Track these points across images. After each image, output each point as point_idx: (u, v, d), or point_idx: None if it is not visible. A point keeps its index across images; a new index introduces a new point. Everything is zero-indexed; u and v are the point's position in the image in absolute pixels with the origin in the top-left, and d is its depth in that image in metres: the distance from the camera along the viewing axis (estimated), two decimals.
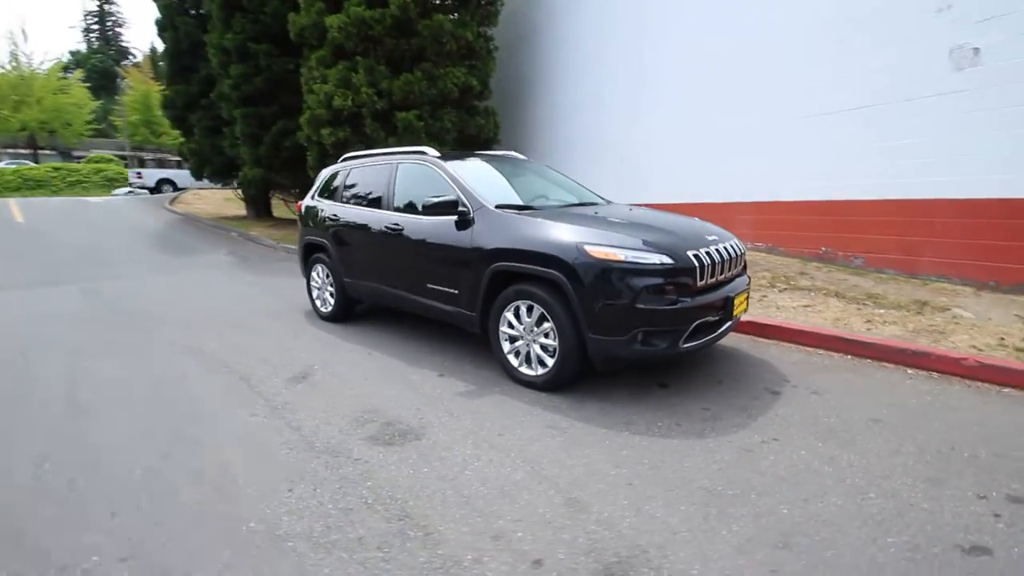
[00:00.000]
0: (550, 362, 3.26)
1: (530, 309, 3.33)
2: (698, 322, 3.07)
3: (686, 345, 3.07)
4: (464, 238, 3.65)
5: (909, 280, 5.54)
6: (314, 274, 5.32)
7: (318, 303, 5.33)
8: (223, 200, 20.07)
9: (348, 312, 5.10)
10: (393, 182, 4.43)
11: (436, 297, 3.94)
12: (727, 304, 3.23)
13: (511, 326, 3.46)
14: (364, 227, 4.55)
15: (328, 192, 5.19)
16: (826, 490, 2.22)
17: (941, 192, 5.34)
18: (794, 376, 3.48)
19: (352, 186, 4.92)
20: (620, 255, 2.97)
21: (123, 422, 3.01)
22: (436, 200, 3.68)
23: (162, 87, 17.64)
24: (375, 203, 4.55)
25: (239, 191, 16.84)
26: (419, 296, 4.09)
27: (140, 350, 4.37)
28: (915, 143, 5.48)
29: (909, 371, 3.55)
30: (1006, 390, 3.18)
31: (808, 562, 1.81)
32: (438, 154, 4.28)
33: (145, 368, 3.93)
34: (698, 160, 7.95)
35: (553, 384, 3.27)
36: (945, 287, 5.17)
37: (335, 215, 4.91)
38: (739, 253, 3.51)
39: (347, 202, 4.87)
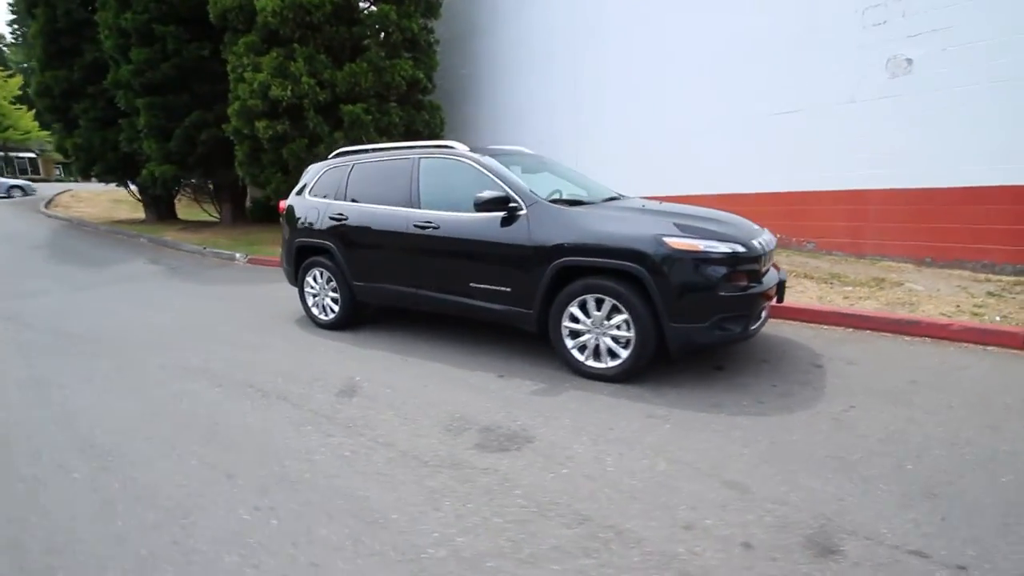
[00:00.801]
0: (624, 353, 3.30)
1: (599, 302, 3.35)
2: (763, 306, 3.30)
3: (752, 328, 3.28)
4: (519, 234, 3.57)
5: (859, 260, 6.34)
6: (310, 279, 4.88)
7: (315, 311, 4.91)
8: (110, 202, 17.61)
9: (354, 319, 4.76)
10: (416, 178, 4.19)
11: (483, 296, 3.81)
12: (780, 289, 3.50)
13: (574, 320, 3.46)
14: (383, 226, 4.26)
15: (325, 190, 4.78)
16: (926, 445, 2.51)
17: (880, 183, 6.17)
18: (823, 350, 3.85)
19: (359, 183, 4.58)
20: (700, 245, 3.09)
21: (190, 467, 2.54)
22: (489, 196, 3.54)
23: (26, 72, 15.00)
24: (394, 200, 4.28)
25: (134, 191, 14.85)
26: (460, 296, 3.93)
27: (132, 377, 3.76)
28: (858, 140, 6.27)
29: (906, 338, 4.09)
30: (989, 348, 3.78)
31: (962, 506, 2.04)
32: (467, 148, 4.13)
33: (156, 398, 3.37)
34: (648, 159, 8.41)
35: (627, 375, 3.32)
36: (892, 265, 6.00)
37: (340, 214, 4.54)
38: (775, 242, 3.81)
39: (355, 200, 4.53)
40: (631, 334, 3.25)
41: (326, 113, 9.67)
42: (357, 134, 9.45)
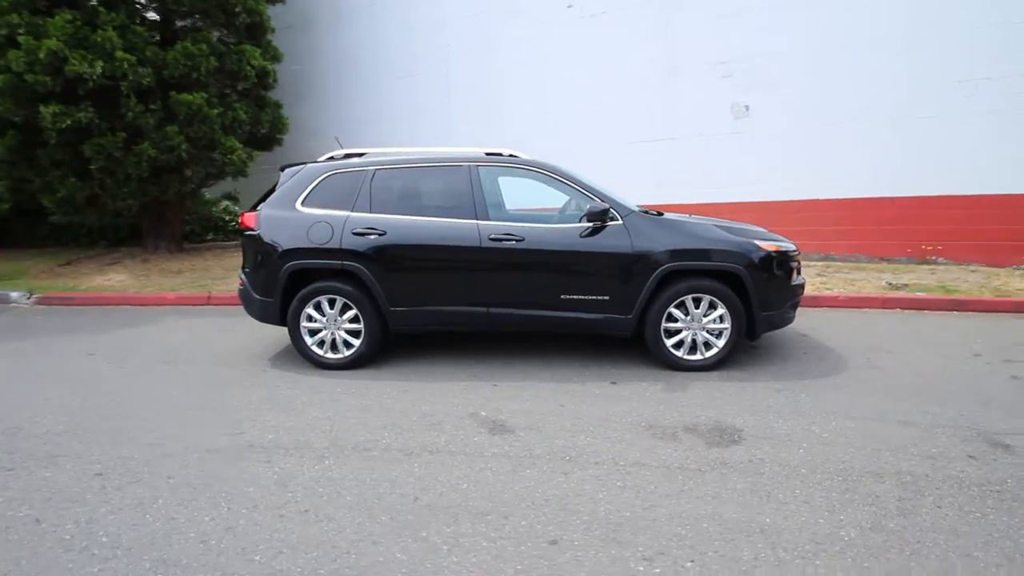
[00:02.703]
0: (720, 343, 3.75)
1: (696, 301, 3.73)
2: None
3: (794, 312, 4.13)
4: (620, 243, 3.68)
5: None
6: (311, 311, 3.90)
7: (318, 349, 3.95)
8: None
9: (379, 352, 4.02)
10: (478, 188, 3.83)
11: (576, 307, 3.76)
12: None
13: (672, 320, 3.76)
14: (444, 241, 3.77)
15: (331, 200, 3.90)
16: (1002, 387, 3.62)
17: (730, 199, 8.07)
18: (852, 335, 4.68)
19: (388, 192, 3.91)
20: (779, 246, 3.77)
21: None
22: (600, 208, 3.60)
23: None
24: (450, 212, 3.82)
25: None
26: (548, 311, 3.77)
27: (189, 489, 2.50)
28: (712, 165, 8.08)
29: (898, 311, 5.56)
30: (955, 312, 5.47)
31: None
32: (528, 157, 3.98)
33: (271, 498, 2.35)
34: None
35: (720, 364, 3.79)
36: None
37: (372, 228, 3.79)
38: None
39: (389, 212, 3.84)
40: (726, 326, 3.74)
41: (150, 101, 7.44)
42: (201, 131, 7.57)
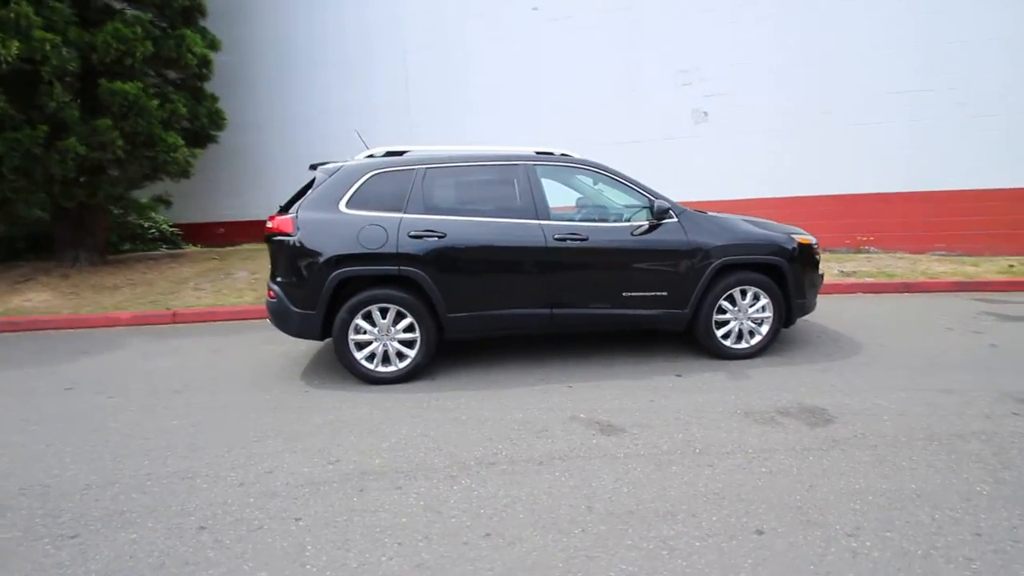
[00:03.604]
0: (763, 330, 4.02)
1: (743, 293, 3.96)
2: None
3: None
4: (677, 239, 3.81)
5: None
6: (360, 322, 3.59)
7: (368, 363, 3.65)
8: None
9: (429, 362, 3.80)
10: (536, 186, 3.75)
11: (637, 304, 3.83)
12: None
13: (721, 312, 3.96)
14: (509, 242, 3.67)
15: (377, 202, 3.61)
16: None
17: (691, 197, 8.60)
18: (840, 318, 5.16)
19: (440, 192, 3.71)
20: (810, 239, 4.12)
21: None
22: (665, 206, 3.72)
23: None
24: (509, 213, 3.71)
25: None
26: (611, 309, 3.81)
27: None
28: (675, 166, 8.58)
29: (860, 294, 6.16)
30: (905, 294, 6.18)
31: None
32: (578, 155, 3.97)
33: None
34: None
35: (760, 353, 4.06)
36: None
37: (430, 231, 3.56)
38: None
39: (444, 213, 3.63)
40: (768, 315, 4.01)
41: (75, 89, 6.35)
42: (138, 126, 6.62)
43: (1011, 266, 6.96)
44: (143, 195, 8.48)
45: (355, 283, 3.62)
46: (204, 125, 8.25)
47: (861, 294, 6.36)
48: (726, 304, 3.95)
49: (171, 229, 10.58)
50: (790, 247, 3.99)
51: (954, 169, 7.70)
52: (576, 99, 8.70)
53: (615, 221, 3.97)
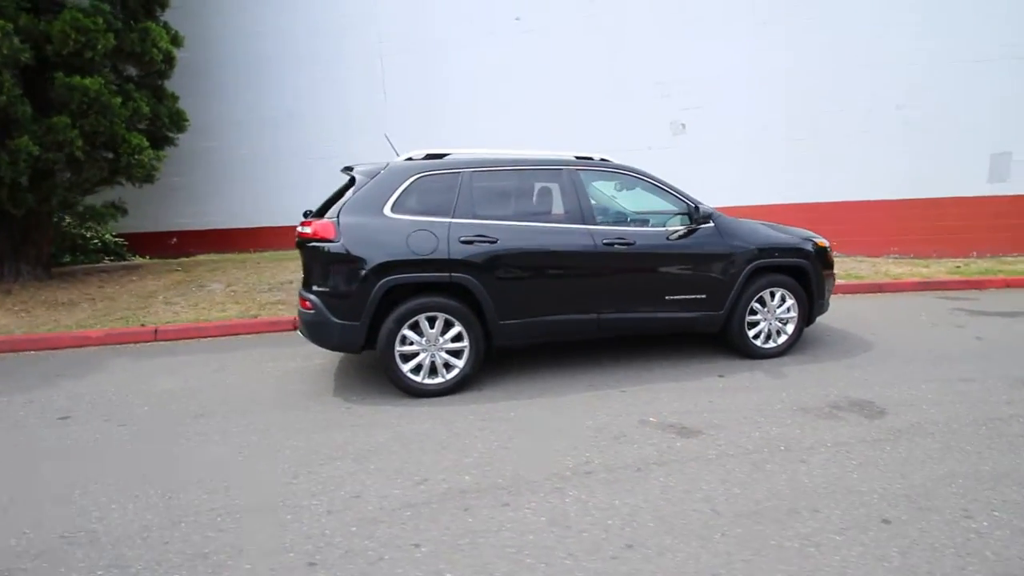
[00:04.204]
0: (790, 329, 4.19)
1: (772, 294, 4.12)
2: None
3: None
4: (715, 243, 3.91)
5: None
6: (408, 332, 3.40)
7: (414, 376, 3.46)
8: None
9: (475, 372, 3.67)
10: (581, 191, 3.73)
11: (678, 307, 3.88)
12: None
13: (752, 313, 4.10)
14: (559, 247, 3.63)
15: (424, 205, 3.45)
16: None
17: None
18: (836, 318, 5.53)
19: (486, 196, 3.60)
20: (825, 242, 4.34)
21: None
22: (708, 211, 3.82)
23: None
24: (555, 217, 3.67)
25: None
26: (654, 312, 3.84)
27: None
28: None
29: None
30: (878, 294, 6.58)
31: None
32: (618, 161, 4.00)
33: None
34: None
35: (787, 352, 4.23)
36: None
37: (482, 236, 3.44)
38: None
39: (492, 217, 3.52)
40: (794, 315, 4.20)
41: (26, 84, 5.65)
42: (100, 125, 6.01)
43: (958, 267, 7.73)
44: (94, 202, 7.66)
45: (398, 292, 3.43)
46: (164, 126, 7.61)
47: (841, 295, 6.81)
48: (756, 305, 4.10)
49: (115, 240, 9.65)
50: (811, 249, 4.21)
51: (902, 180, 8.47)
52: (558, 108, 8.80)
53: (654, 226, 4.03)
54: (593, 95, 8.77)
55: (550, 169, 3.81)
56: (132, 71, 7.12)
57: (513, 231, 3.57)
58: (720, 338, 4.23)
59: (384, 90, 9.21)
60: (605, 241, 3.69)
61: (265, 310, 5.90)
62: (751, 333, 4.11)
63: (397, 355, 3.42)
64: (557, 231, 3.66)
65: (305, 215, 3.94)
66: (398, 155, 3.90)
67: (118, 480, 2.57)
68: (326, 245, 3.35)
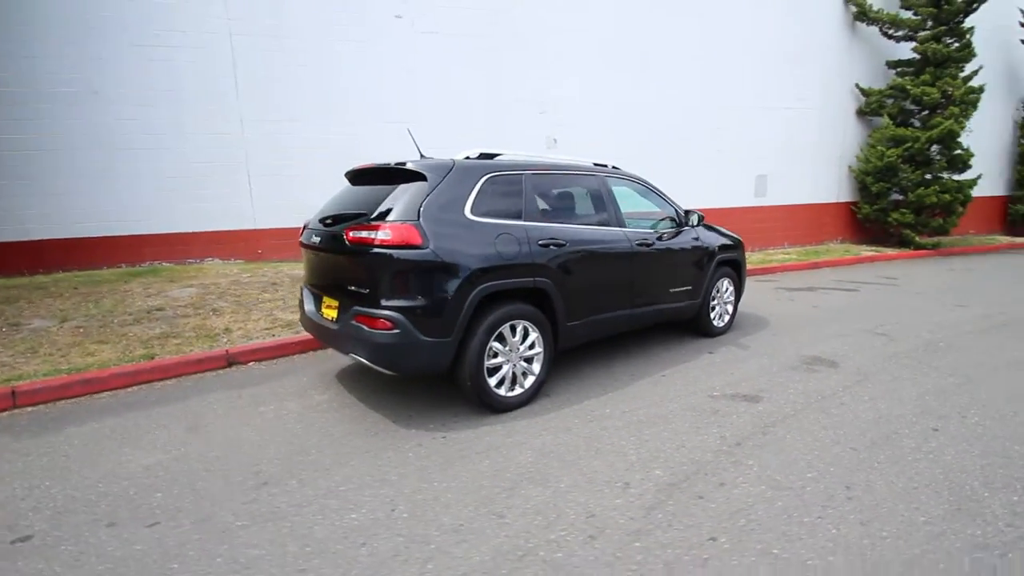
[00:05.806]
0: (730, 309, 5.21)
1: (723, 282, 5.05)
2: None
3: None
4: (700, 242, 4.68)
5: None
6: (494, 344, 3.18)
7: (500, 391, 3.27)
8: None
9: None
10: (610, 195, 4.01)
11: (677, 299, 4.50)
12: None
13: (711, 298, 4.97)
14: (609, 248, 3.87)
15: (496, 207, 3.27)
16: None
17: None
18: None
19: (544, 199, 3.61)
20: (739, 237, 5.50)
21: None
22: (700, 214, 4.45)
23: None
24: (596, 220, 3.88)
25: None
26: (661, 304, 4.38)
27: None
28: None
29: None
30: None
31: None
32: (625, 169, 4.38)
33: None
34: None
35: (728, 329, 5.23)
36: None
37: (554, 239, 3.41)
38: None
39: (549, 220, 3.53)
40: (732, 298, 5.23)
41: None
42: None
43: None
44: None
45: (484, 301, 3.17)
46: None
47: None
48: (713, 292, 4.99)
49: None
50: (740, 243, 5.31)
51: (709, 193, 10.94)
52: (438, 115, 8.72)
53: (652, 228, 4.55)
54: (480, 102, 8.97)
55: (586, 175, 4.01)
56: None
57: (575, 234, 3.68)
58: (688, 324, 5.00)
59: (235, 74, 7.71)
60: (637, 242, 4.07)
61: (161, 348, 4.45)
62: (714, 315, 5.00)
63: (488, 366, 3.16)
64: (605, 233, 3.91)
65: (323, 222, 3.31)
66: (419, 149, 3.59)
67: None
68: (411, 252, 2.89)
